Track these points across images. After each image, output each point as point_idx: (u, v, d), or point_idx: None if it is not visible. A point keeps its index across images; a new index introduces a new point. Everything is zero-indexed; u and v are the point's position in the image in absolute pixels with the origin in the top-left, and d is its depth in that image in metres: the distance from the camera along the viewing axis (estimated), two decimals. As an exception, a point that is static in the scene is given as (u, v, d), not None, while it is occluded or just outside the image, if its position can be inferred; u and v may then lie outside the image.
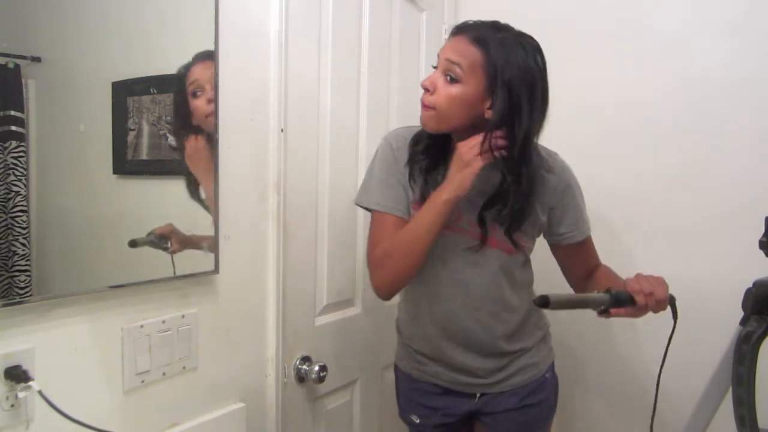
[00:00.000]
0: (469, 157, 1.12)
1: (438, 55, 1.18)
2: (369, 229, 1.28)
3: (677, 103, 1.64)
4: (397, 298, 1.58)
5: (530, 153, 1.15)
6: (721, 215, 1.55)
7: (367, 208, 1.28)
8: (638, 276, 1.10)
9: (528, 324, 1.33)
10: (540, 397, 1.34)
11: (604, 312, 1.07)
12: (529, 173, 1.16)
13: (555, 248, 1.36)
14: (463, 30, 1.16)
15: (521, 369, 1.32)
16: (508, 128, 1.12)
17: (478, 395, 1.33)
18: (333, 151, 1.46)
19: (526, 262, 1.33)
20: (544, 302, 1.03)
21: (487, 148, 1.12)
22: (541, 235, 1.34)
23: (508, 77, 1.10)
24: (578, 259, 1.35)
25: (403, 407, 1.42)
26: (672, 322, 1.10)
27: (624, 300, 1.08)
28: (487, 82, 1.12)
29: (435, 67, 1.19)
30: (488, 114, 1.14)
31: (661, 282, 1.09)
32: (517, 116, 1.11)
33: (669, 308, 1.10)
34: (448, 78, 1.14)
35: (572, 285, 1.37)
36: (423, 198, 1.20)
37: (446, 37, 1.87)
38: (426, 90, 1.16)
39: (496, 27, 1.15)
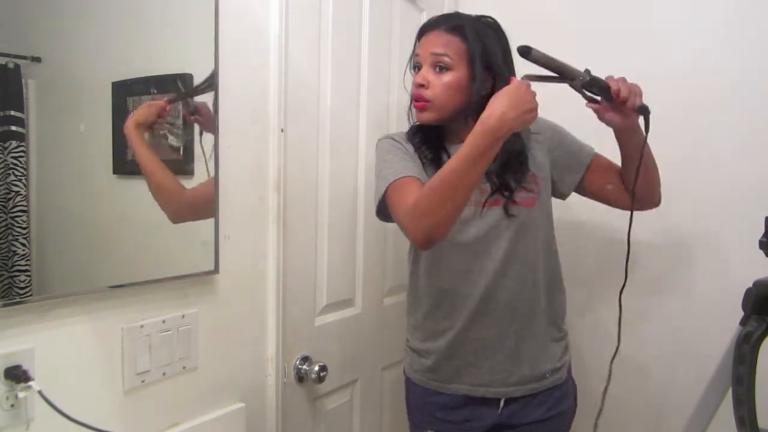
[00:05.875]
0: (532, 105, 1.07)
1: (415, 57, 1.24)
2: (390, 205, 1.18)
3: (674, 98, 1.63)
4: (401, 297, 1.56)
5: None
6: (721, 214, 1.55)
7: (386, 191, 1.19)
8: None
9: (551, 311, 1.30)
10: (564, 407, 1.32)
11: (584, 89, 1.14)
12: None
13: (585, 188, 1.35)
14: (434, 25, 1.23)
15: (544, 373, 1.29)
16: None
17: (501, 403, 1.27)
18: (333, 151, 1.46)
19: (539, 225, 1.28)
20: (526, 49, 1.08)
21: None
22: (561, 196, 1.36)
23: (487, 57, 1.18)
24: (605, 176, 1.33)
25: (416, 423, 1.35)
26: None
27: (599, 83, 1.14)
28: (472, 65, 1.19)
29: (415, 69, 1.24)
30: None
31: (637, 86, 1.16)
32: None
33: (642, 119, 1.17)
34: (437, 69, 1.19)
35: (628, 200, 1.28)
36: None
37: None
38: (420, 86, 1.20)
39: (460, 16, 1.24)
